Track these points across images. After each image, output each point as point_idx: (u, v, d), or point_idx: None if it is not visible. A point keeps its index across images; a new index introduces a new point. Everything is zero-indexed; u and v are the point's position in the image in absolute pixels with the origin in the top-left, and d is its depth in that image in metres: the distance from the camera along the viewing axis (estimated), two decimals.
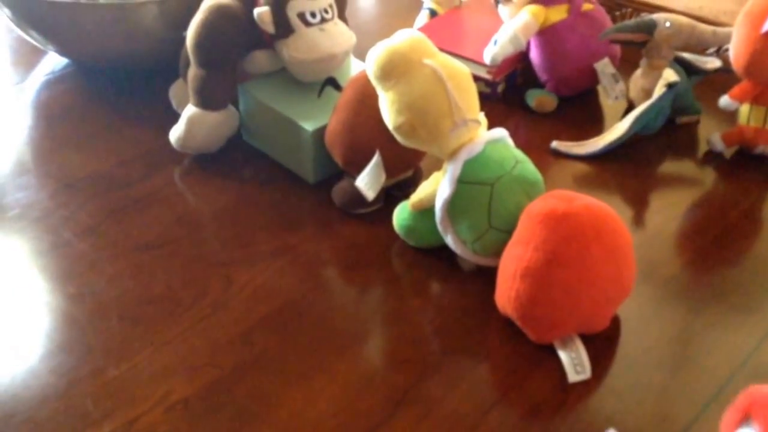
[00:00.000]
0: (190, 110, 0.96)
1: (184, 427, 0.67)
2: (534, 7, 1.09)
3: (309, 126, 0.93)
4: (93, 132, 1.06)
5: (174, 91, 1.07)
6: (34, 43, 1.15)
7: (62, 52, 1.18)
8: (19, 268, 0.84)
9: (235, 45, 0.95)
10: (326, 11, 0.94)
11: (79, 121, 1.08)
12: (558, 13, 1.10)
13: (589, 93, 1.14)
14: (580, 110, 1.11)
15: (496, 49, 1.08)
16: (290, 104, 0.96)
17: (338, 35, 0.96)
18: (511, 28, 1.08)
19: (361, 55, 1.05)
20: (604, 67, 1.08)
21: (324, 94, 0.98)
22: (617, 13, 1.30)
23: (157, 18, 1.06)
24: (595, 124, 1.08)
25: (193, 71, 0.95)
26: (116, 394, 0.70)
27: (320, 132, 0.92)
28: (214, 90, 0.95)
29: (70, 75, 1.19)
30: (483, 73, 1.11)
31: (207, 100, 0.95)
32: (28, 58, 1.23)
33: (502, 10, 1.13)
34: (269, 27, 0.93)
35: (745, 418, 0.54)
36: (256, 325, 0.77)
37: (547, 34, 1.10)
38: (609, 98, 1.08)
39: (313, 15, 0.93)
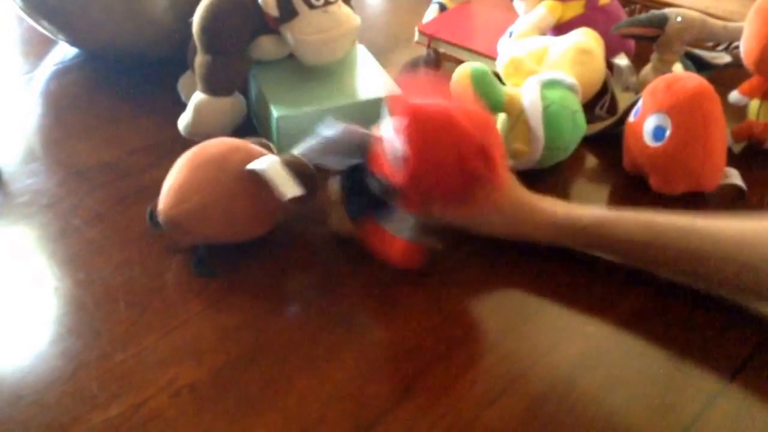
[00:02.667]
0: (197, 97, 0.96)
1: (191, 412, 0.67)
2: (551, 2, 1.09)
3: (277, 111, 0.93)
4: (102, 121, 1.06)
5: (183, 83, 1.07)
6: (45, 32, 1.15)
7: (72, 41, 1.18)
8: (28, 253, 0.84)
9: (240, 30, 0.95)
10: None
11: (89, 110, 1.08)
12: (574, 9, 1.10)
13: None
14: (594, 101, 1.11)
15: (511, 41, 1.08)
16: (279, 88, 0.97)
17: (342, 16, 0.97)
18: (528, 21, 1.09)
19: (370, 47, 1.06)
20: (620, 60, 1.08)
21: (322, 83, 0.98)
22: (626, 9, 1.29)
23: (167, 9, 1.07)
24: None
25: (199, 57, 0.96)
26: (123, 378, 0.70)
27: (287, 120, 0.93)
28: (221, 76, 0.96)
29: (80, 65, 1.19)
30: (495, 68, 1.11)
31: (213, 86, 0.96)
32: (38, 48, 1.23)
33: (518, 4, 1.14)
34: (273, 10, 0.93)
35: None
36: (263, 311, 0.77)
37: (563, 29, 1.10)
38: (621, 88, 1.08)
39: None
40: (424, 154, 0.71)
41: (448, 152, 0.71)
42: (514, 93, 0.93)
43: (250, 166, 0.79)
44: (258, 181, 0.78)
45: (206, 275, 0.81)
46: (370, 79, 1.01)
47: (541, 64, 0.99)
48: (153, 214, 0.83)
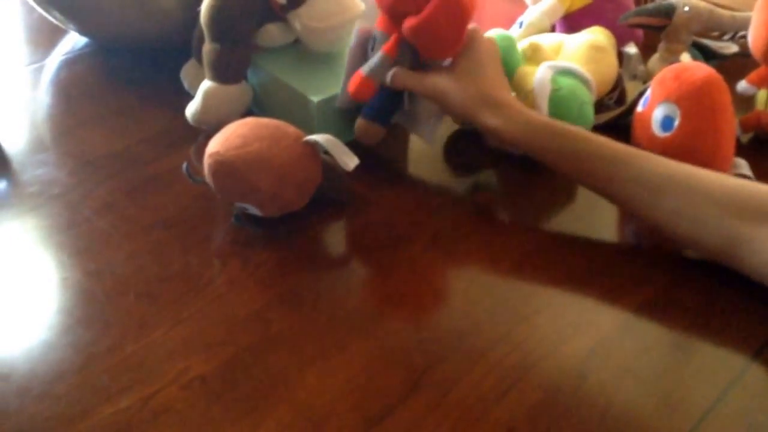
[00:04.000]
0: (205, 85, 0.97)
1: (201, 404, 0.67)
2: None
3: (315, 97, 0.93)
4: (111, 111, 1.06)
5: (186, 72, 1.07)
6: (55, 22, 1.15)
7: (82, 31, 1.18)
8: (37, 244, 0.84)
9: (248, 18, 0.96)
10: None
11: (98, 99, 1.09)
12: None
13: None
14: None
15: (521, 32, 1.08)
16: (298, 76, 0.97)
17: (348, 2, 0.98)
18: (538, 11, 1.09)
19: None
20: (629, 48, 1.08)
21: (330, 66, 0.99)
22: None
23: None
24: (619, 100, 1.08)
25: (207, 46, 0.96)
26: (133, 369, 0.70)
27: (325, 103, 0.93)
28: (229, 63, 0.96)
29: (89, 54, 1.19)
30: None
31: (222, 73, 0.96)
32: (48, 38, 1.23)
33: None
34: None
35: None
36: (273, 303, 0.77)
37: (572, 18, 1.10)
38: (629, 76, 1.08)
39: None
40: None
41: None
42: (527, 72, 0.94)
43: (310, 137, 0.82)
44: (310, 152, 0.83)
45: (248, 229, 0.86)
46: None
47: (557, 58, 1.00)
48: (189, 169, 0.86)
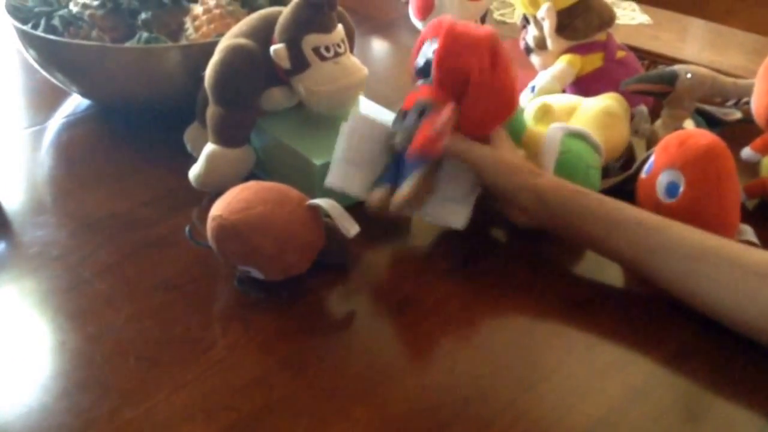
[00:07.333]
0: (209, 148, 0.97)
1: None
2: (570, 56, 1.10)
3: (317, 160, 0.94)
4: (113, 172, 1.06)
5: (189, 134, 1.08)
6: (58, 84, 1.16)
7: (85, 93, 1.19)
8: (36, 306, 0.83)
9: (252, 83, 0.97)
10: (339, 45, 0.97)
11: (99, 161, 1.09)
12: (593, 62, 1.11)
13: None
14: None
15: (532, 96, 1.09)
16: (301, 139, 0.98)
17: (352, 66, 0.98)
18: (549, 75, 1.10)
19: (378, 99, 1.06)
20: (640, 110, 1.09)
21: (333, 129, 0.98)
22: None
23: (179, 63, 1.08)
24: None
25: (211, 110, 0.96)
26: None
27: (328, 167, 0.93)
28: (233, 127, 0.97)
29: (91, 117, 1.20)
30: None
31: (226, 137, 0.97)
32: (50, 100, 1.24)
33: (535, 59, 1.15)
34: (285, 63, 0.95)
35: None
36: (275, 368, 0.76)
37: (582, 82, 1.11)
38: (636, 134, 1.08)
39: (327, 49, 0.95)
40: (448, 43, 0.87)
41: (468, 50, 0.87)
42: (537, 133, 0.96)
43: (313, 201, 0.82)
44: (313, 216, 0.83)
45: (250, 293, 0.84)
46: (381, 118, 1.02)
47: (569, 121, 1.00)
48: (192, 232, 0.86)
